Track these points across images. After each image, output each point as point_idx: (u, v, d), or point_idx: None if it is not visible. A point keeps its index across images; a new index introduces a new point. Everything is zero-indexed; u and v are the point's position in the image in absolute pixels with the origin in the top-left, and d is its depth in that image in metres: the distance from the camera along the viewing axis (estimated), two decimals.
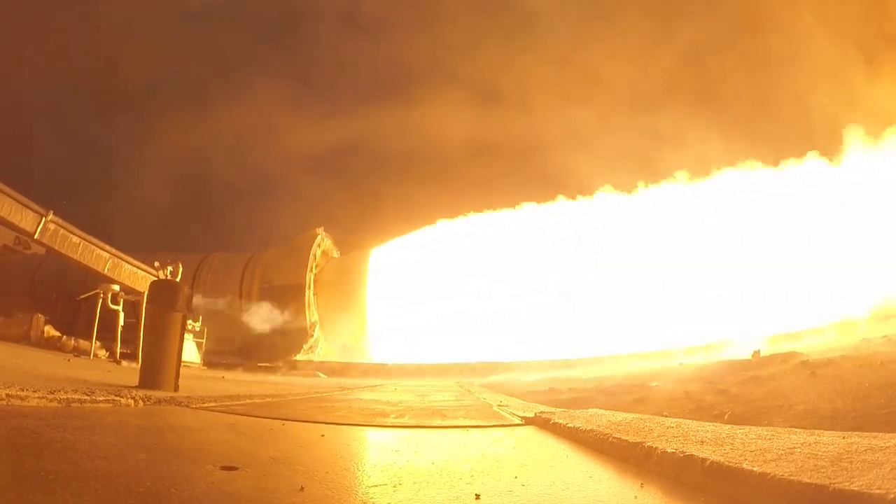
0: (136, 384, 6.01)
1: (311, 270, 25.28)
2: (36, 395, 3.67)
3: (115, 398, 4.39)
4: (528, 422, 4.68)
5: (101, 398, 4.25)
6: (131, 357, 12.33)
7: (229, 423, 4.04)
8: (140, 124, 39.86)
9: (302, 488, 2.06)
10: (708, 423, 3.37)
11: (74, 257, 12.81)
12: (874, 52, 19.93)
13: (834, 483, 1.63)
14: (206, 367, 17.83)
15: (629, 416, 4.06)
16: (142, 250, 16.36)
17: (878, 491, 1.52)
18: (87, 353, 13.08)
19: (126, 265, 14.02)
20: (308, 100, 46.40)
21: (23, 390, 3.66)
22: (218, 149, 42.96)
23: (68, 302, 18.01)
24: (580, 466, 2.82)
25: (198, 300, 19.95)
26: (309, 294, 24.89)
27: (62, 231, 12.33)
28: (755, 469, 1.88)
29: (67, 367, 7.79)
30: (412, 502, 2.02)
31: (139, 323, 11.36)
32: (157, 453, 2.61)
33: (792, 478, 1.73)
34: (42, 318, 14.81)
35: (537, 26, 34.76)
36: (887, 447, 2.01)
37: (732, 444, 2.42)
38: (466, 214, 24.47)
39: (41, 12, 35.23)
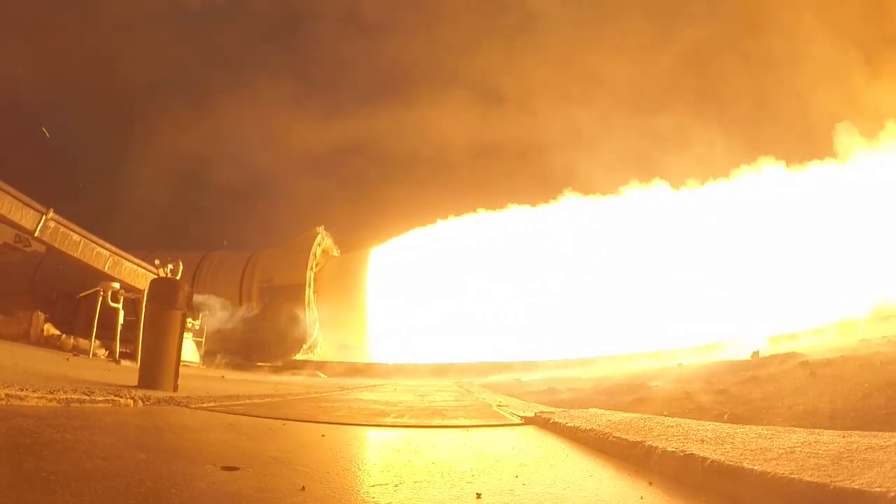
0: (136, 384, 6.00)
1: (312, 269, 25.28)
2: (35, 394, 3.67)
3: (115, 398, 4.39)
4: (528, 421, 4.68)
5: (100, 398, 4.24)
6: (131, 356, 12.33)
7: (229, 423, 4.04)
8: (140, 124, 39.80)
9: (303, 488, 2.06)
10: (708, 423, 3.37)
11: (75, 255, 12.79)
12: (875, 52, 19.94)
13: (834, 481, 1.63)
14: (205, 367, 17.83)
15: (629, 415, 4.06)
16: (142, 248, 16.35)
17: (878, 489, 1.52)
18: (86, 352, 13.07)
19: (126, 263, 14.01)
20: (308, 99, 46.41)
21: (22, 390, 3.66)
22: (218, 148, 42.96)
23: (68, 300, 17.99)
24: (580, 465, 2.82)
25: (198, 298, 19.96)
26: (309, 293, 24.89)
27: (62, 229, 12.32)
28: (756, 468, 1.88)
29: (67, 367, 7.79)
30: (413, 502, 2.02)
31: (139, 321, 11.38)
32: (157, 453, 2.60)
33: (792, 476, 1.73)
34: (42, 316, 14.80)
35: (537, 26, 34.77)
36: (887, 446, 2.01)
37: (733, 443, 2.42)
38: (467, 214, 24.50)
39: (41, 12, 35.21)
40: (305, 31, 45.84)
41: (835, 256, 16.24)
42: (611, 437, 3.03)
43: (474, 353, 20.74)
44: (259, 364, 20.64)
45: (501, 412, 5.65)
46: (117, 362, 12.15)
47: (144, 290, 11.40)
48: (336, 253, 27.68)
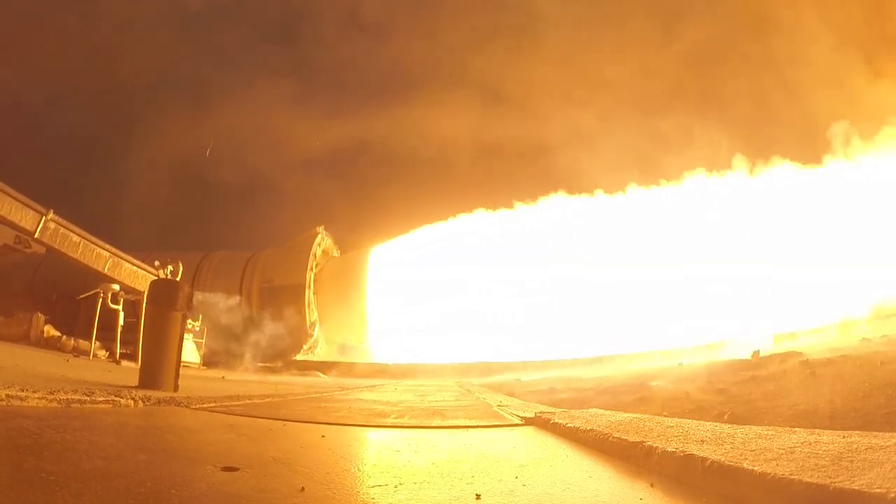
0: (136, 384, 6.00)
1: (312, 270, 25.27)
2: (36, 395, 3.67)
3: (115, 398, 4.39)
4: (528, 422, 4.68)
5: (100, 398, 4.24)
6: (131, 357, 12.33)
7: (229, 424, 4.04)
8: (140, 124, 39.81)
9: (303, 489, 2.06)
10: (708, 423, 3.36)
11: (74, 256, 12.80)
12: (876, 53, 19.94)
13: (834, 482, 1.63)
14: (205, 367, 17.84)
15: (629, 415, 4.06)
16: (142, 249, 16.36)
17: (878, 490, 1.52)
18: (86, 353, 13.07)
19: (126, 264, 14.02)
20: (309, 99, 46.35)
21: (22, 391, 3.66)
22: (218, 148, 42.94)
23: (68, 301, 17.99)
24: (581, 466, 2.82)
25: (198, 299, 19.96)
26: (309, 293, 24.88)
27: (62, 230, 12.32)
28: (756, 468, 1.88)
29: (67, 367, 7.79)
30: (413, 502, 2.02)
31: (139, 322, 11.38)
32: (157, 454, 2.61)
33: (792, 477, 1.73)
34: (42, 317, 14.81)
35: (539, 27, 34.77)
36: (887, 446, 2.01)
37: (733, 443, 2.42)
38: (467, 214, 24.50)
39: (41, 12, 35.22)
40: (306, 32, 45.86)
41: (835, 256, 16.25)
42: (611, 438, 3.03)
43: (475, 353, 20.75)
44: (259, 364, 20.63)
45: (502, 412, 5.64)
46: (117, 363, 12.16)
47: (144, 292, 11.40)
48: (336, 253, 27.69)
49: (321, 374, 19.90)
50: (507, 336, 21.15)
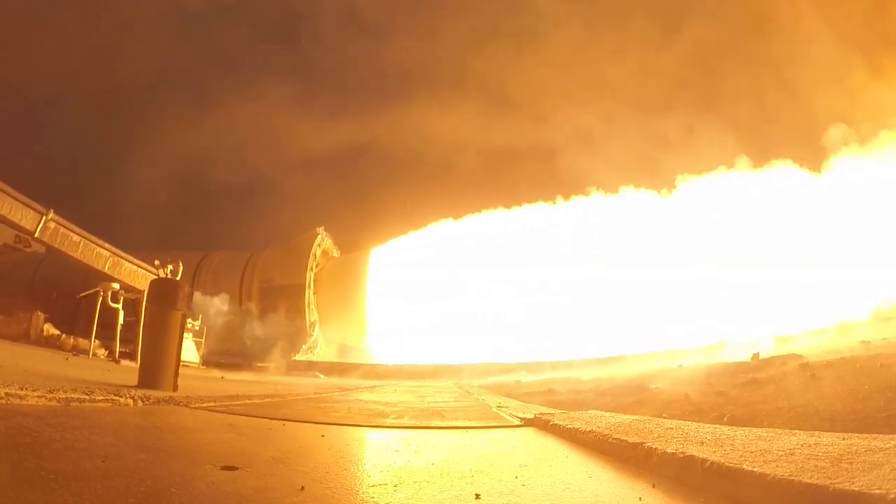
0: (136, 383, 6.00)
1: (312, 270, 25.28)
2: (35, 393, 3.67)
3: (115, 397, 4.39)
4: (527, 423, 4.68)
5: (100, 397, 4.24)
6: (130, 356, 12.33)
7: (229, 423, 4.04)
8: (140, 124, 39.84)
9: (302, 488, 2.06)
10: (708, 425, 3.36)
11: (74, 256, 12.80)
12: (877, 54, 19.95)
13: (834, 483, 1.63)
14: (205, 367, 17.83)
15: (629, 417, 4.06)
16: (142, 249, 16.36)
17: (878, 491, 1.52)
18: (86, 351, 13.07)
19: (126, 263, 14.02)
20: (309, 100, 46.42)
21: (22, 389, 3.66)
22: (218, 148, 42.97)
23: (68, 300, 18.00)
24: (580, 467, 2.82)
25: (197, 299, 19.97)
26: (309, 293, 24.89)
27: (62, 229, 12.33)
28: (755, 470, 1.88)
29: (66, 366, 7.79)
30: (412, 502, 2.02)
31: (139, 321, 11.38)
32: (157, 453, 2.60)
33: (792, 478, 1.73)
34: (42, 316, 14.81)
35: (539, 27, 34.80)
36: (887, 448, 2.01)
37: (732, 444, 2.41)
38: (467, 214, 24.52)
39: (41, 12, 35.25)
40: (306, 32, 45.91)
41: (835, 257, 16.25)
42: (610, 439, 3.02)
43: (474, 354, 20.76)
44: (259, 364, 20.63)
45: (501, 413, 5.64)
46: (117, 362, 12.15)
47: (144, 291, 11.41)
48: (336, 254, 27.69)
49: (321, 375, 19.90)
50: (506, 337, 21.16)
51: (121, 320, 13.80)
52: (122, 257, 13.93)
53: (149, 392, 5.19)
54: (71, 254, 12.72)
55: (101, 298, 13.69)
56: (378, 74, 46.24)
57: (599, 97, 28.40)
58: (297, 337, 23.63)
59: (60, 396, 3.81)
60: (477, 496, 2.07)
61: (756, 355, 10.38)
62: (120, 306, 13.94)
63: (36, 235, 11.76)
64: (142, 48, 38.82)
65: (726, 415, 5.22)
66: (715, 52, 27.12)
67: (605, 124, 25.73)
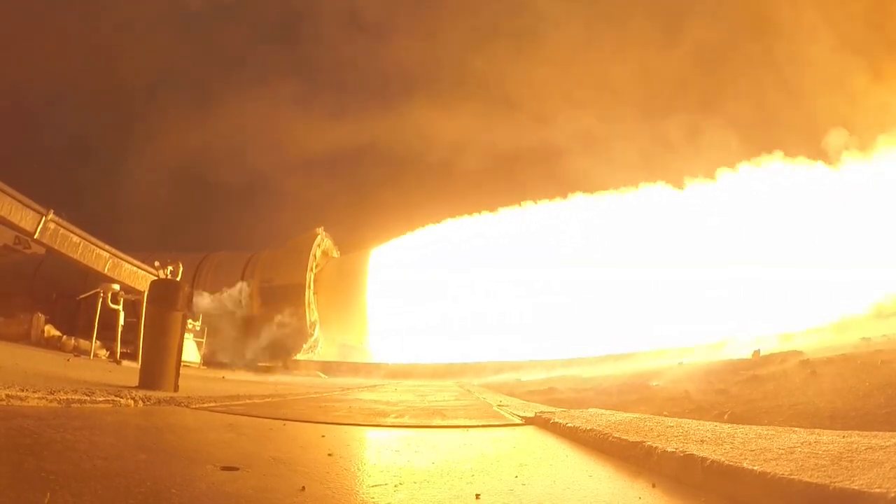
0: (136, 384, 6.00)
1: (312, 270, 25.28)
2: (36, 395, 3.67)
3: (115, 398, 4.39)
4: (528, 421, 4.68)
5: (100, 398, 4.25)
6: (131, 357, 12.33)
7: (229, 424, 4.04)
8: (141, 124, 39.83)
9: (303, 488, 2.06)
10: (708, 423, 3.37)
11: (74, 257, 12.80)
12: (878, 55, 19.93)
13: (834, 482, 1.63)
14: (205, 367, 17.84)
15: (629, 415, 4.06)
16: (142, 250, 16.37)
17: (878, 490, 1.52)
18: (87, 352, 13.08)
19: (126, 265, 14.02)
20: (309, 100, 46.41)
21: (23, 390, 3.66)
22: (218, 148, 42.97)
23: (68, 301, 18.01)
24: (580, 466, 2.82)
25: (198, 299, 19.98)
26: (309, 293, 24.89)
27: (62, 230, 12.32)
28: (755, 468, 1.88)
29: (67, 367, 7.79)
30: (413, 502, 2.02)
31: (139, 322, 11.37)
32: (157, 453, 2.61)
33: (792, 477, 1.73)
34: (42, 317, 14.81)
35: (540, 27, 34.76)
36: (887, 446, 2.01)
37: (732, 443, 2.41)
38: (467, 214, 24.51)
39: (41, 12, 35.23)
40: (306, 32, 45.87)
41: (835, 256, 16.25)
42: (611, 438, 3.02)
43: (475, 353, 20.76)
44: (260, 364, 20.63)
45: (502, 412, 5.65)
46: (118, 363, 12.16)
47: (145, 292, 11.40)
48: (336, 254, 27.69)
49: (321, 374, 19.91)
50: (506, 336, 21.16)
51: (121, 321, 13.80)
52: (121, 258, 13.93)
53: (150, 393, 5.19)
54: (71, 255, 12.72)
55: (101, 299, 13.69)
56: (378, 74, 46.26)
57: (600, 97, 28.40)
58: (297, 337, 23.64)
59: (61, 398, 3.81)
60: (477, 496, 2.07)
61: (756, 352, 10.38)
62: (120, 307, 13.95)
63: (36, 236, 11.76)
64: (142, 48, 38.84)
65: (726, 412, 5.22)
66: (717, 52, 27.10)
67: (605, 124, 25.73)
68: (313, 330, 24.64)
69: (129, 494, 1.76)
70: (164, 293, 7.03)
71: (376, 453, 3.49)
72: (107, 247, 13.53)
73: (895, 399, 4.63)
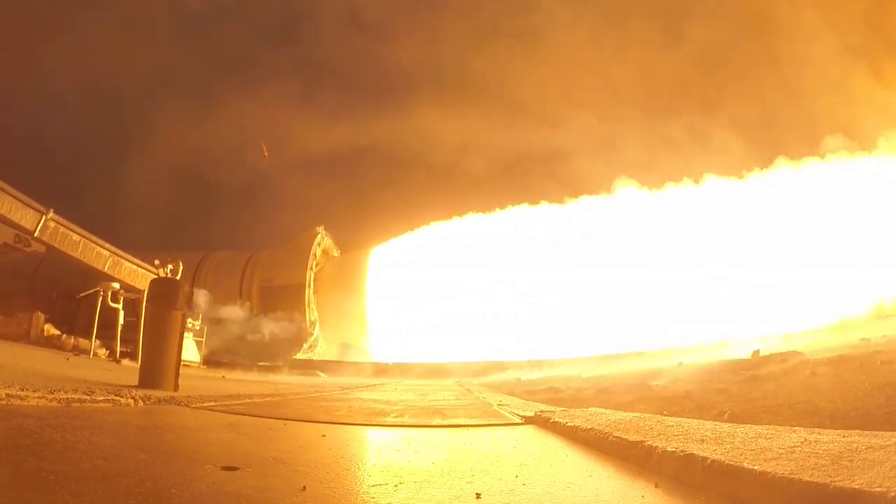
0: (136, 383, 6.00)
1: (312, 269, 25.29)
2: (36, 394, 3.67)
3: (115, 398, 4.39)
4: (528, 421, 4.68)
5: (100, 398, 4.24)
6: (131, 356, 12.33)
7: (229, 423, 4.04)
8: (141, 124, 39.79)
9: (303, 488, 2.06)
10: (708, 422, 3.36)
11: (74, 255, 12.80)
12: (878, 55, 19.92)
13: (834, 481, 1.63)
14: (205, 366, 17.84)
15: (629, 414, 4.06)
16: (142, 249, 16.38)
17: (878, 489, 1.52)
18: (86, 351, 13.07)
19: (126, 263, 14.02)
20: (309, 100, 46.36)
21: (22, 390, 3.66)
22: (218, 148, 42.95)
23: (68, 300, 18.00)
24: (580, 465, 2.82)
25: (198, 298, 19.97)
26: (309, 293, 24.90)
27: (62, 229, 12.32)
28: (756, 468, 1.88)
29: (67, 366, 7.79)
30: (413, 501, 2.02)
31: (139, 321, 11.37)
32: (157, 453, 2.60)
33: (792, 476, 1.73)
34: (42, 316, 14.81)
35: (540, 28, 34.74)
36: (887, 446, 2.01)
37: (733, 442, 2.41)
38: (467, 214, 24.51)
39: (42, 12, 35.21)
40: (306, 32, 45.86)
41: (835, 256, 16.26)
42: (611, 437, 3.02)
43: (475, 353, 20.77)
44: (260, 364, 20.64)
45: (502, 411, 5.65)
46: (118, 362, 12.16)
47: (144, 291, 11.40)
48: (336, 253, 27.70)
49: (321, 374, 19.91)
50: (506, 336, 21.17)
51: (121, 320, 13.80)
52: (122, 257, 13.93)
53: (150, 392, 5.19)
54: (71, 253, 12.72)
55: (101, 298, 13.69)
56: (378, 75, 46.17)
57: (600, 98, 28.38)
58: (297, 336, 23.65)
59: (61, 397, 3.81)
60: (478, 495, 2.07)
61: (756, 352, 10.39)
62: (120, 306, 13.95)
63: (36, 235, 11.76)
64: (142, 48, 38.80)
65: (727, 412, 5.22)
66: (717, 53, 27.08)
67: (606, 125, 25.73)
68: (313, 329, 24.65)
69: (129, 494, 1.76)
70: (163, 292, 7.03)
71: (377, 453, 3.49)
72: (107, 245, 13.53)
73: (895, 399, 4.63)
